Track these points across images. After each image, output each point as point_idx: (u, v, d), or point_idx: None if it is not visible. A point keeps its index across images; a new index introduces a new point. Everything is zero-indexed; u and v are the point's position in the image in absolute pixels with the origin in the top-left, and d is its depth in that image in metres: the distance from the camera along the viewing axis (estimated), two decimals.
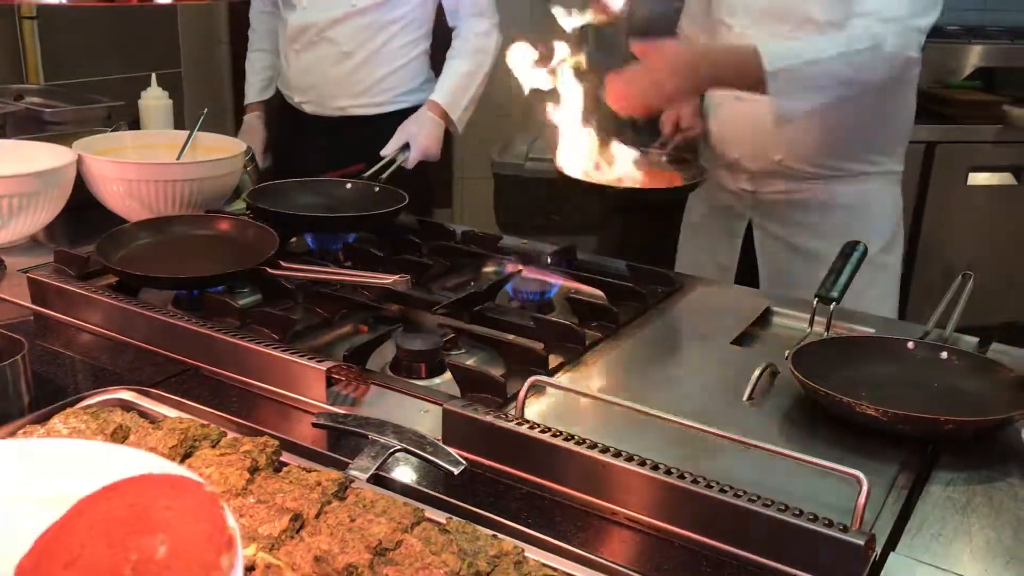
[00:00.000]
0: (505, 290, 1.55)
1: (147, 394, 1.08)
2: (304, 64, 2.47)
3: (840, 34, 1.72)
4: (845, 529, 0.88)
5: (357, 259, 1.67)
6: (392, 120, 2.40)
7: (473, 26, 2.43)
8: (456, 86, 2.40)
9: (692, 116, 2.03)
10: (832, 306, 1.41)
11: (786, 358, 1.25)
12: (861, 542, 0.87)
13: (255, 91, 2.66)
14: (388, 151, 2.25)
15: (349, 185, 1.92)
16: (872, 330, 1.45)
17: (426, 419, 1.16)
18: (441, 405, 1.10)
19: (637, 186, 1.74)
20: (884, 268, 2.00)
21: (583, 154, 1.75)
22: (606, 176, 1.75)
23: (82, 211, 1.83)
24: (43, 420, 0.97)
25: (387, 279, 1.42)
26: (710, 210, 2.18)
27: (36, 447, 0.81)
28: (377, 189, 1.90)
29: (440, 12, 2.50)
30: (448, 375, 1.26)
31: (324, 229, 1.73)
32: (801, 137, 1.94)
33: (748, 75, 1.66)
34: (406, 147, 2.28)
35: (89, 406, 1.03)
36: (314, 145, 2.49)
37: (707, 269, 2.18)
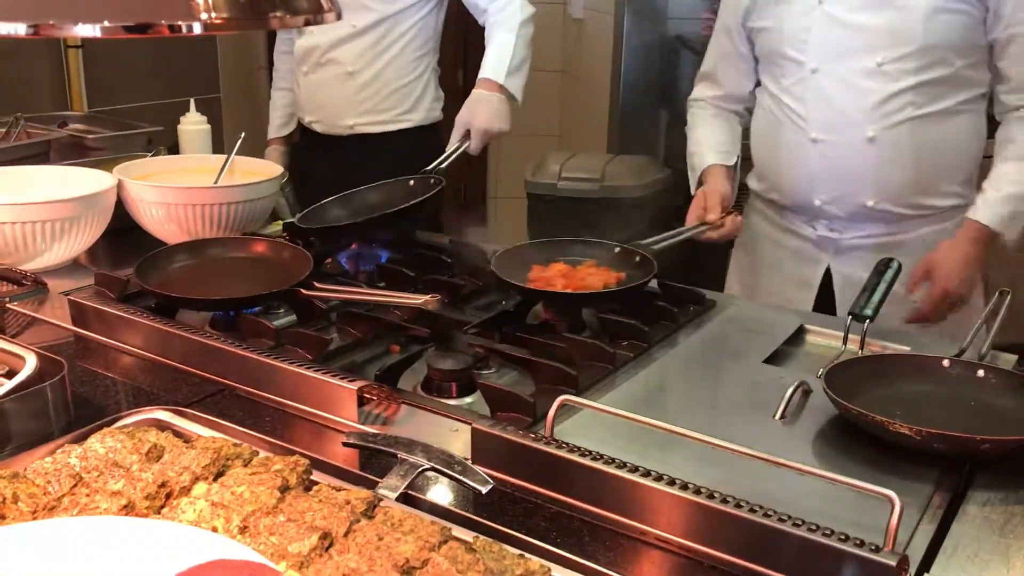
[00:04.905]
0: (536, 308, 1.55)
1: (182, 414, 1.10)
2: (312, 85, 2.53)
3: None
4: (877, 550, 0.87)
5: (390, 280, 1.69)
6: (400, 138, 2.43)
7: (495, 6, 2.36)
8: (496, 56, 2.32)
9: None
10: (866, 324, 1.40)
11: (819, 376, 1.24)
12: (893, 563, 0.86)
13: (275, 127, 2.75)
14: (451, 144, 2.21)
15: (412, 182, 1.91)
16: (907, 348, 1.43)
17: (456, 438, 1.17)
18: (470, 424, 1.11)
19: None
20: (974, 308, 1.89)
21: None
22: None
23: (122, 234, 1.87)
24: (81, 439, 0.99)
25: (419, 299, 1.43)
26: (782, 256, 2.00)
27: (100, 525, 0.83)
28: (412, 182, 1.90)
29: (447, 28, 2.51)
30: (479, 394, 1.27)
31: (376, 228, 1.77)
32: (895, 176, 1.82)
33: (995, 239, 1.78)
34: (467, 136, 2.22)
35: (125, 426, 1.05)
36: (326, 163, 2.54)
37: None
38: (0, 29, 0.60)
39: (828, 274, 1.93)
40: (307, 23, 0.69)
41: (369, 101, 2.47)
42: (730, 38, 1.99)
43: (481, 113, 2.24)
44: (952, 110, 1.80)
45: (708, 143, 2.04)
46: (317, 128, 2.57)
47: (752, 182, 2.05)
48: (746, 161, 2.07)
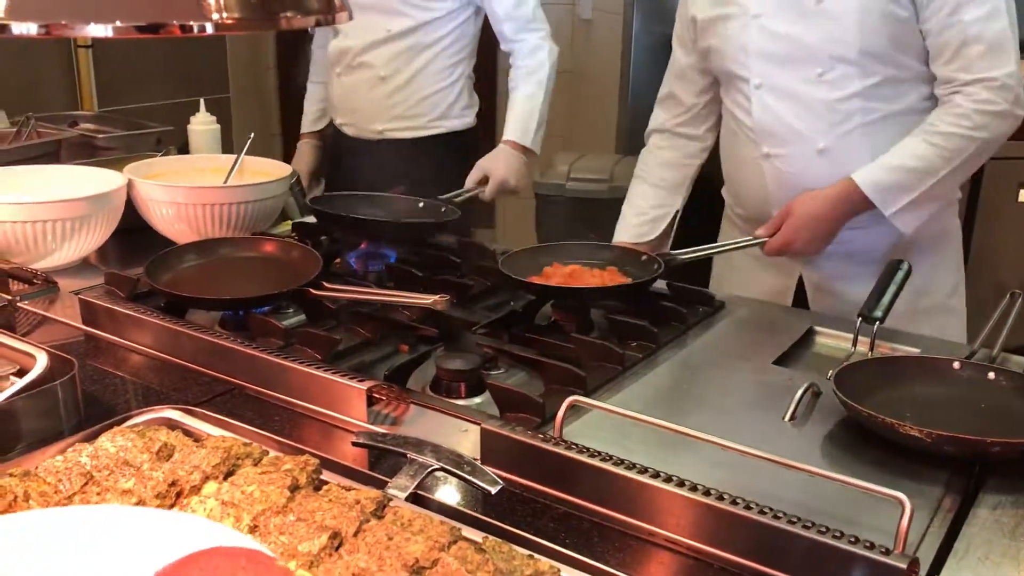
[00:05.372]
0: (544, 310, 1.55)
1: (192, 413, 1.10)
2: (344, 88, 2.51)
3: (944, 125, 1.64)
4: (887, 552, 0.87)
5: (398, 280, 1.69)
6: (430, 144, 2.42)
7: (523, 47, 2.42)
8: (521, 116, 2.40)
9: None
10: (876, 326, 1.40)
11: (829, 378, 1.24)
12: (903, 565, 0.85)
13: (309, 121, 2.73)
14: (468, 184, 2.28)
15: (421, 204, 1.94)
16: (917, 350, 1.43)
17: (465, 438, 1.17)
18: (480, 425, 1.11)
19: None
20: (952, 311, 1.87)
21: None
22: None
23: (132, 234, 1.87)
24: (91, 438, 1.00)
25: (427, 299, 1.43)
26: (755, 267, 1.94)
27: (99, 514, 0.84)
28: (421, 204, 1.92)
29: (485, 36, 2.53)
30: (488, 394, 1.27)
31: (382, 236, 1.78)
32: None
33: (866, 210, 1.69)
34: (484, 180, 2.31)
35: (135, 425, 1.05)
36: (354, 166, 2.53)
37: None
38: (13, 29, 0.61)
39: (801, 282, 1.89)
40: (318, 23, 0.70)
41: (400, 106, 2.46)
42: (687, 54, 1.95)
43: (502, 166, 2.32)
44: (910, 109, 1.72)
45: (632, 211, 2.04)
46: (348, 131, 2.57)
47: (724, 194, 2.03)
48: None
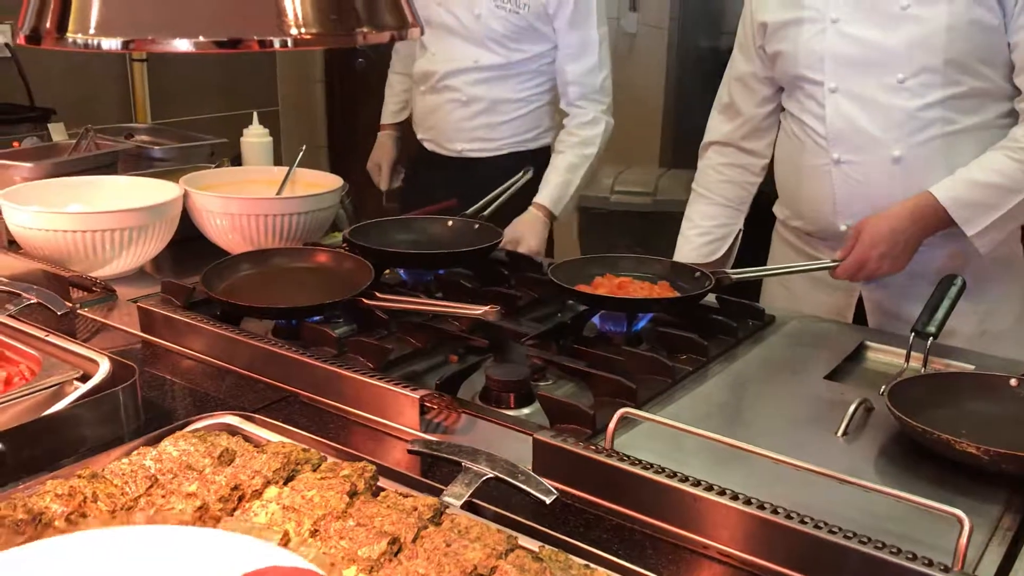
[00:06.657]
0: (592, 322, 1.56)
1: (251, 419, 1.12)
2: (426, 106, 2.57)
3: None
4: (947, 570, 0.86)
5: (448, 290, 1.71)
6: (507, 161, 2.44)
7: (579, 115, 2.44)
8: (559, 185, 2.40)
9: None
10: (929, 341, 1.38)
11: (882, 393, 1.23)
12: None
13: (390, 112, 2.78)
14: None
15: (450, 223, 1.92)
16: (971, 366, 1.41)
17: (515, 448, 1.17)
18: (531, 435, 1.12)
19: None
20: (1020, 340, 1.78)
21: None
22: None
23: (188, 243, 1.91)
24: (154, 443, 1.02)
25: (477, 310, 1.45)
26: (812, 286, 1.88)
27: (149, 534, 0.85)
28: (476, 227, 1.90)
29: None
30: (537, 405, 1.28)
31: (417, 265, 1.78)
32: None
33: (944, 227, 1.65)
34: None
35: (196, 430, 1.08)
36: (430, 180, 2.57)
37: None
38: (103, 44, 0.63)
39: (861, 303, 1.83)
40: (392, 39, 0.71)
41: (480, 130, 2.51)
42: (749, 61, 1.91)
43: (533, 236, 2.34)
44: (988, 125, 1.67)
45: (694, 230, 2.01)
46: (428, 146, 2.62)
47: (777, 210, 1.97)
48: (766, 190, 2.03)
